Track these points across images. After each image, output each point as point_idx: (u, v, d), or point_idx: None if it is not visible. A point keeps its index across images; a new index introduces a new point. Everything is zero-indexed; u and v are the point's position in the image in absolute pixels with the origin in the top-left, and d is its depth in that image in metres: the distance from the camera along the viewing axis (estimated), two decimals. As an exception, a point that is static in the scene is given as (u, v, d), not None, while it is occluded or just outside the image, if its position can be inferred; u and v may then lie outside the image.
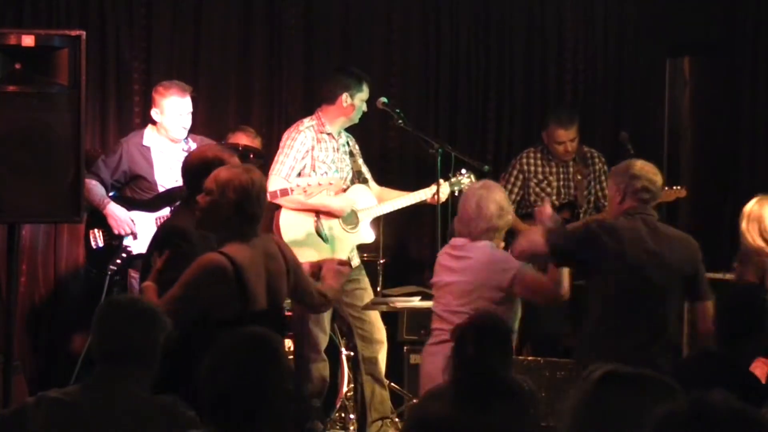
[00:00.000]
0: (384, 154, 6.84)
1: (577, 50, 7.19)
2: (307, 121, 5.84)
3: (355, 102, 5.80)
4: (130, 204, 5.63)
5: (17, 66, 4.20)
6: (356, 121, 5.88)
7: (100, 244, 5.60)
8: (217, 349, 2.78)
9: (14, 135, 4.16)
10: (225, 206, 3.82)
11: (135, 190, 5.67)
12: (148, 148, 5.68)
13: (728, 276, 6.23)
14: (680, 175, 7.42)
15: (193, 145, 5.67)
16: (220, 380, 2.69)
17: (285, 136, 5.84)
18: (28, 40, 4.19)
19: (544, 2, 7.16)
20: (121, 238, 5.56)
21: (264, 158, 5.98)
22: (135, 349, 3.09)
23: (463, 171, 5.89)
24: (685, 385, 2.01)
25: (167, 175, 5.62)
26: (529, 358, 5.36)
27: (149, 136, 5.72)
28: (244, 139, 6.18)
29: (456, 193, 5.76)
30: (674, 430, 1.75)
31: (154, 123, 5.72)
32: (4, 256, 5.13)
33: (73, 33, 4.27)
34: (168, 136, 5.68)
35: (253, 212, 3.85)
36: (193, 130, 6.12)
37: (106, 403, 3.04)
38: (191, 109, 5.71)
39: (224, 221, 3.85)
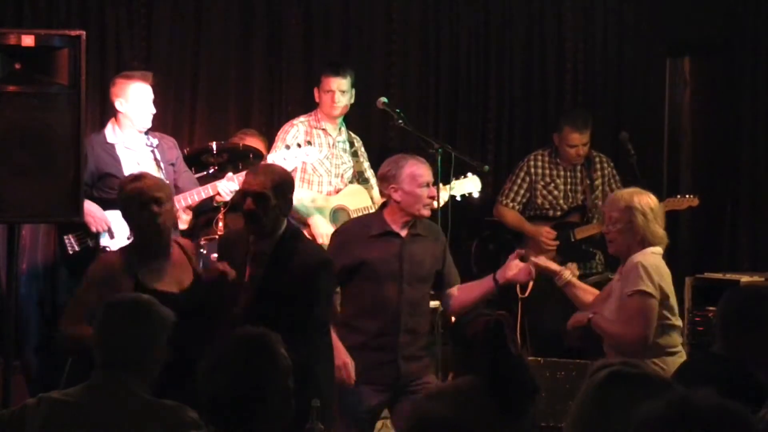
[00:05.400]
0: (384, 154, 6.81)
1: (577, 50, 7.19)
2: (303, 117, 5.94)
3: (321, 93, 5.88)
4: (99, 204, 5.45)
5: (17, 66, 4.19)
6: (335, 112, 5.88)
7: (77, 248, 5.50)
8: (214, 349, 2.78)
9: (14, 135, 4.16)
10: None
11: (103, 190, 5.46)
12: (112, 146, 5.55)
13: (728, 276, 6.25)
14: (680, 175, 7.42)
15: (155, 142, 5.60)
16: (217, 380, 2.69)
17: (280, 130, 5.95)
18: (28, 40, 4.19)
19: (544, 2, 7.16)
20: (97, 238, 5.46)
21: (263, 159, 5.97)
22: (137, 351, 3.09)
23: (469, 174, 5.87)
24: (688, 386, 2.00)
25: (135, 171, 5.48)
26: (530, 358, 5.35)
27: (111, 133, 5.59)
28: (253, 142, 6.14)
29: (458, 198, 5.75)
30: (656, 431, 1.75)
31: (114, 120, 5.59)
32: (4, 256, 5.13)
33: (73, 33, 4.27)
34: (133, 126, 5.55)
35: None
36: (192, 130, 6.12)
37: (108, 405, 3.03)
38: (153, 97, 5.60)
39: None
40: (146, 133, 5.62)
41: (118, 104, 5.55)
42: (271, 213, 4.24)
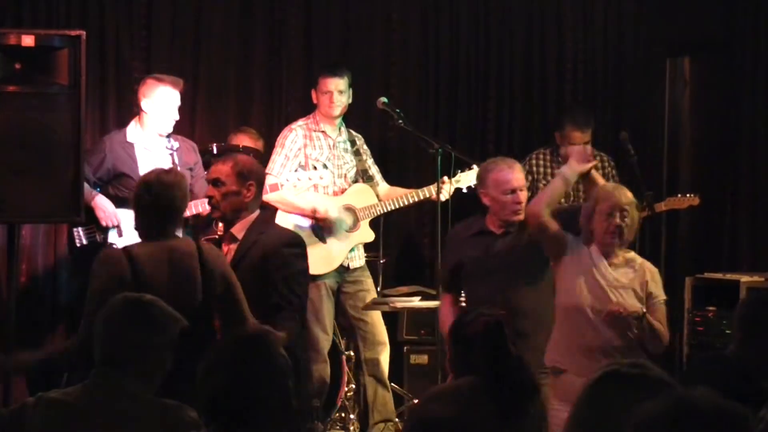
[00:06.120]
0: (384, 154, 6.83)
1: (577, 50, 7.19)
2: (301, 121, 5.92)
3: (318, 95, 5.86)
4: (114, 202, 5.51)
5: (17, 66, 4.21)
6: (335, 112, 5.85)
7: (84, 242, 5.52)
8: (212, 349, 2.78)
9: (14, 135, 4.17)
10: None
11: (118, 188, 5.54)
12: (131, 145, 5.60)
13: (728, 276, 6.24)
14: (680, 175, 7.42)
15: (176, 145, 5.64)
16: (213, 381, 2.69)
17: (279, 136, 5.92)
18: (28, 40, 4.20)
19: (544, 2, 7.16)
20: (105, 233, 5.48)
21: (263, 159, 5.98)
22: (136, 350, 3.08)
23: (474, 166, 5.85)
24: (691, 386, 2.00)
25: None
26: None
27: (132, 132, 5.63)
28: (246, 140, 6.16)
29: (464, 190, 5.74)
30: (655, 430, 1.75)
31: (138, 119, 5.64)
32: (4, 256, 5.13)
33: (73, 33, 4.28)
34: (154, 128, 5.59)
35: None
36: (192, 130, 6.11)
37: (107, 405, 3.03)
38: (179, 104, 5.66)
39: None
40: (168, 135, 5.64)
41: (144, 104, 5.60)
42: (228, 198, 4.35)
